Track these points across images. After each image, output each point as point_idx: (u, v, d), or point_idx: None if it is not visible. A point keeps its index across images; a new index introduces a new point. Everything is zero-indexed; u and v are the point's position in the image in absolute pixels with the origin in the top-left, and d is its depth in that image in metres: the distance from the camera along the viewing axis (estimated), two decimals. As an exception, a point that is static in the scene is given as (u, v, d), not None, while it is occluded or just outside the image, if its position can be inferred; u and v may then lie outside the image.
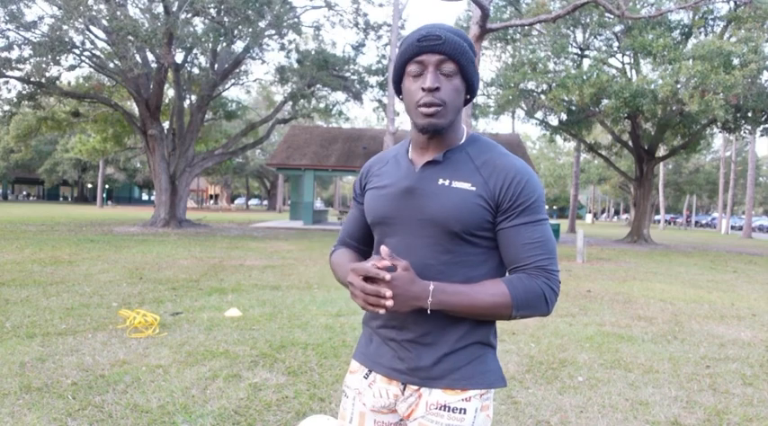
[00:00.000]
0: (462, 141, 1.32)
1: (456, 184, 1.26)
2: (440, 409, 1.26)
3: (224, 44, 19.04)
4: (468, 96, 1.30)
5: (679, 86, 16.66)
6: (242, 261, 10.53)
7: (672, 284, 9.80)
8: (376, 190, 1.38)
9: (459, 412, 1.26)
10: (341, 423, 1.43)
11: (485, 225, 1.26)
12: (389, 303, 1.14)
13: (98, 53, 17.77)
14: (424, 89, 1.22)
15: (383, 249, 1.18)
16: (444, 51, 1.22)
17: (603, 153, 25.99)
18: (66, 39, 15.92)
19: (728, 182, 39.42)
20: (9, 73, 17.10)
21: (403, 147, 1.40)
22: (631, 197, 29.91)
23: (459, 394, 1.27)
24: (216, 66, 20.18)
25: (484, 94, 23.82)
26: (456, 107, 1.25)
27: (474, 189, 1.25)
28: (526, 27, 19.69)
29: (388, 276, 1.13)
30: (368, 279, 1.16)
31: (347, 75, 22.18)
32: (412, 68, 1.25)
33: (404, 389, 1.32)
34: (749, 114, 18.80)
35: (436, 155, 1.30)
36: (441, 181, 1.27)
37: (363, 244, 1.50)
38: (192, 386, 3.62)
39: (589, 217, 58.28)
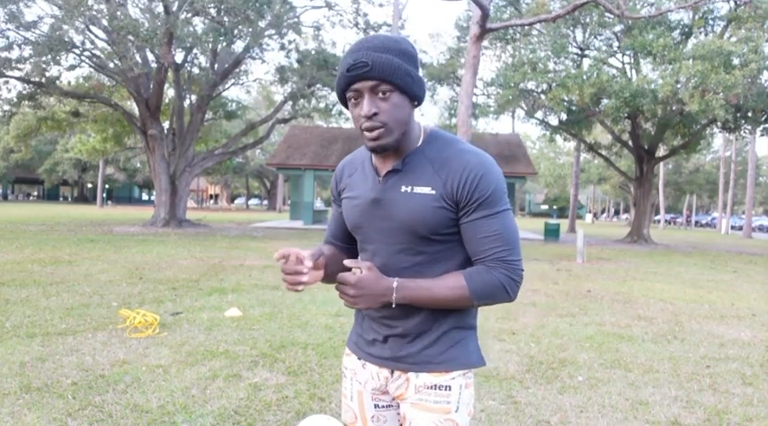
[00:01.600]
0: (420, 143, 1.35)
1: (417, 190, 1.31)
2: (428, 388, 1.37)
3: (224, 44, 19.03)
4: (416, 103, 1.32)
5: (679, 86, 16.65)
6: (242, 261, 10.53)
7: (672, 284, 9.80)
8: (349, 200, 1.45)
9: (445, 389, 1.37)
10: (343, 402, 1.54)
11: (449, 223, 1.32)
12: (359, 302, 1.28)
13: (98, 53, 17.77)
14: (361, 116, 1.26)
15: (345, 262, 1.31)
16: (374, 76, 1.23)
17: (603, 153, 25.98)
18: (66, 39, 15.92)
19: (728, 182, 39.40)
20: (9, 73, 17.10)
21: (369, 152, 1.43)
22: (631, 197, 29.91)
23: (446, 375, 1.37)
24: (216, 65, 20.16)
25: (484, 94, 23.83)
26: (400, 122, 1.28)
27: (434, 192, 1.30)
28: (526, 27, 19.68)
29: (352, 279, 1.27)
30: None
31: (347, 74, 22.13)
32: (350, 95, 1.28)
33: (392, 372, 1.42)
34: (749, 114, 18.79)
35: (396, 164, 1.35)
36: (403, 189, 1.33)
37: (346, 242, 1.56)
38: (192, 386, 3.62)
39: (589, 217, 58.24)
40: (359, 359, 1.48)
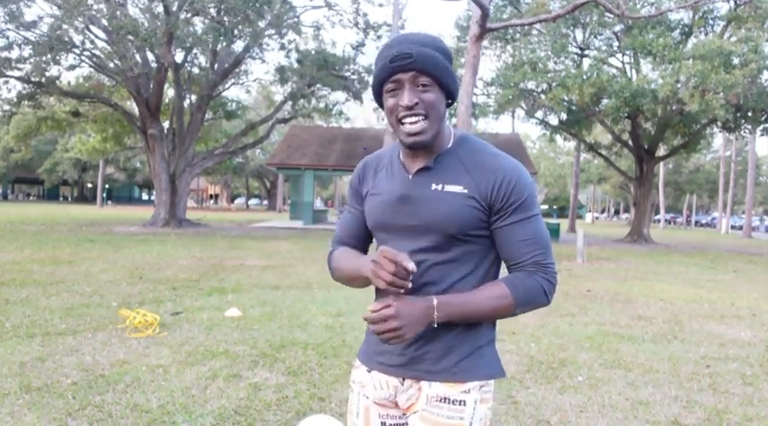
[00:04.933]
0: (451, 144, 1.35)
1: (448, 188, 1.30)
2: (440, 401, 1.30)
3: (224, 44, 19.04)
4: (450, 100, 1.32)
5: (679, 86, 16.65)
6: (242, 261, 10.53)
7: (672, 284, 9.80)
8: (373, 196, 1.41)
9: (459, 404, 1.30)
10: (349, 418, 1.48)
11: (479, 224, 1.30)
12: (407, 332, 1.21)
13: (98, 53, 17.78)
14: (402, 106, 1.25)
15: (371, 307, 1.23)
16: (417, 68, 1.24)
17: (603, 152, 25.97)
18: (66, 39, 15.93)
19: (728, 182, 39.39)
20: (9, 73, 17.10)
21: (396, 150, 1.41)
22: (631, 196, 29.89)
23: (459, 386, 1.30)
24: (216, 65, 20.17)
25: (484, 94, 23.81)
26: (438, 117, 1.28)
27: (465, 191, 1.29)
28: (526, 27, 19.67)
29: (391, 311, 1.20)
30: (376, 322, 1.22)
31: (347, 74, 22.16)
32: (389, 86, 1.28)
33: (403, 381, 1.36)
34: (749, 114, 18.80)
35: (427, 162, 1.33)
36: (434, 187, 1.31)
37: (363, 242, 1.51)
38: (192, 386, 3.62)
39: (589, 217, 58.25)
40: (368, 371, 1.42)
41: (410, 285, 1.21)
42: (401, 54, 1.24)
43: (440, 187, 1.30)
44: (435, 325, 1.26)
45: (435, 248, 1.31)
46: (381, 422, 1.41)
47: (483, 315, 1.28)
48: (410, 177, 1.34)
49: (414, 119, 1.25)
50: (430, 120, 1.26)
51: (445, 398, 1.30)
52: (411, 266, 1.18)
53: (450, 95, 1.31)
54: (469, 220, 1.28)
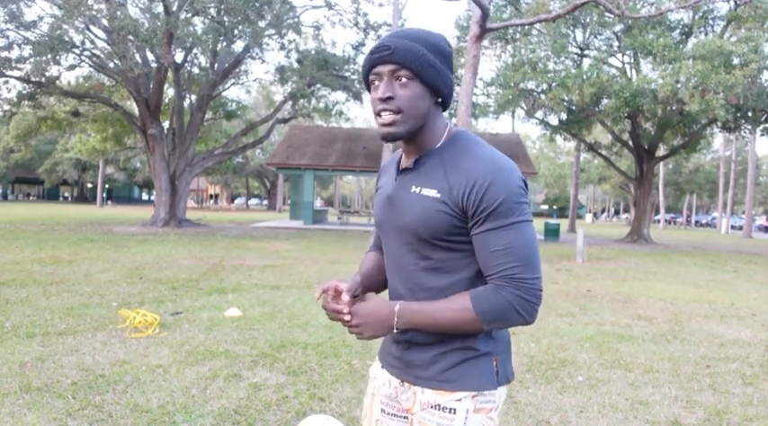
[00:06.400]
0: (440, 144, 1.30)
1: (425, 192, 1.26)
2: (432, 408, 1.30)
3: (224, 44, 19.01)
4: (440, 99, 1.29)
5: (679, 86, 16.65)
6: (242, 261, 10.53)
7: (672, 284, 9.80)
8: (377, 195, 1.44)
9: (450, 412, 1.28)
10: (365, 413, 1.51)
11: (454, 230, 1.24)
12: (364, 331, 1.27)
13: (98, 53, 17.76)
14: (377, 98, 1.24)
15: (343, 296, 1.30)
16: (394, 60, 1.21)
17: (603, 152, 25.97)
18: (66, 39, 15.91)
19: (728, 182, 39.40)
20: (9, 72, 17.09)
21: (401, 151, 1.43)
22: (631, 196, 29.89)
23: (449, 394, 1.28)
24: (216, 65, 20.16)
25: (484, 94, 23.82)
26: (416, 113, 1.24)
27: (438, 195, 1.24)
28: (526, 27, 19.67)
29: (346, 308, 1.27)
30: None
31: (347, 74, 22.15)
32: (372, 79, 1.27)
33: (402, 382, 1.38)
34: (749, 114, 18.80)
35: (409, 163, 1.32)
36: (413, 189, 1.29)
37: None
38: (192, 386, 3.62)
39: (589, 217, 58.21)
40: (382, 367, 1.46)
41: (346, 316, 1.26)
42: (381, 46, 1.23)
43: (418, 190, 1.27)
44: (395, 331, 1.27)
45: (417, 252, 1.29)
46: (381, 409, 1.44)
47: (445, 327, 1.23)
48: (397, 177, 1.34)
49: (386, 114, 1.24)
50: (404, 116, 1.23)
51: (437, 405, 1.29)
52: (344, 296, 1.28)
53: (437, 93, 1.27)
54: (441, 226, 1.23)
